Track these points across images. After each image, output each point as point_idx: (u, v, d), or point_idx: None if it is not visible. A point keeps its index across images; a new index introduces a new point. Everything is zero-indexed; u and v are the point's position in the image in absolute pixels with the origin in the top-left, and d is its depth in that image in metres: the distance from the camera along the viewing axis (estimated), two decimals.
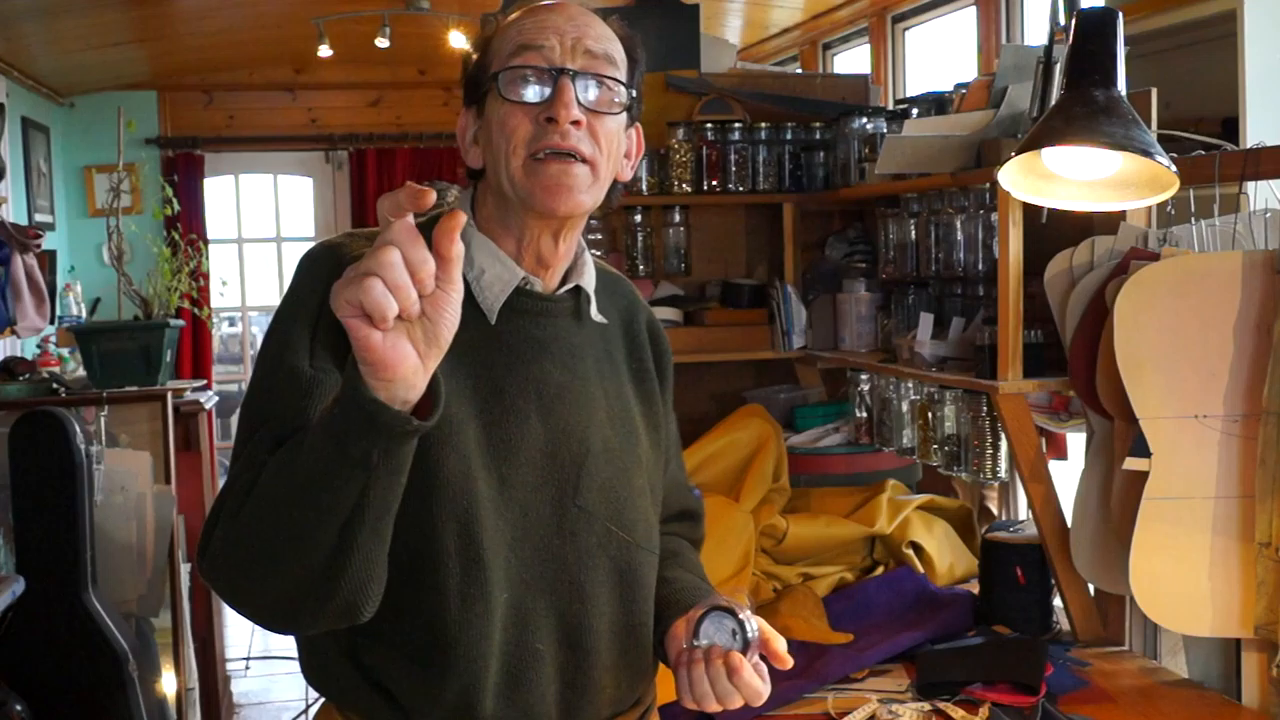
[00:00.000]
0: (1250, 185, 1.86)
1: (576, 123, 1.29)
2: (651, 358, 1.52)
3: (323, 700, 1.41)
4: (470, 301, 1.33)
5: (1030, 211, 2.06)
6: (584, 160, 1.30)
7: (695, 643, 1.33)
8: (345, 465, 1.05)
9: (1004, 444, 2.32)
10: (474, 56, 1.38)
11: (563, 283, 1.40)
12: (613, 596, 1.39)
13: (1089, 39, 1.73)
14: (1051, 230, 2.08)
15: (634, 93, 1.37)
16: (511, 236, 1.36)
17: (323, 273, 1.30)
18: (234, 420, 7.71)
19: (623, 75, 1.35)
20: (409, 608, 1.28)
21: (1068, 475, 2.32)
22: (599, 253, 3.04)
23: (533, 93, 1.30)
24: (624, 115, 1.36)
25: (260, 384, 1.27)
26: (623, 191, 1.44)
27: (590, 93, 1.31)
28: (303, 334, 1.26)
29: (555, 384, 1.36)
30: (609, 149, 1.34)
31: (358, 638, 1.31)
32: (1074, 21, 1.76)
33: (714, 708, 1.31)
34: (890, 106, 3.66)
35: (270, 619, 1.20)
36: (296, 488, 1.09)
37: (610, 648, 1.39)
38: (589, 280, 1.42)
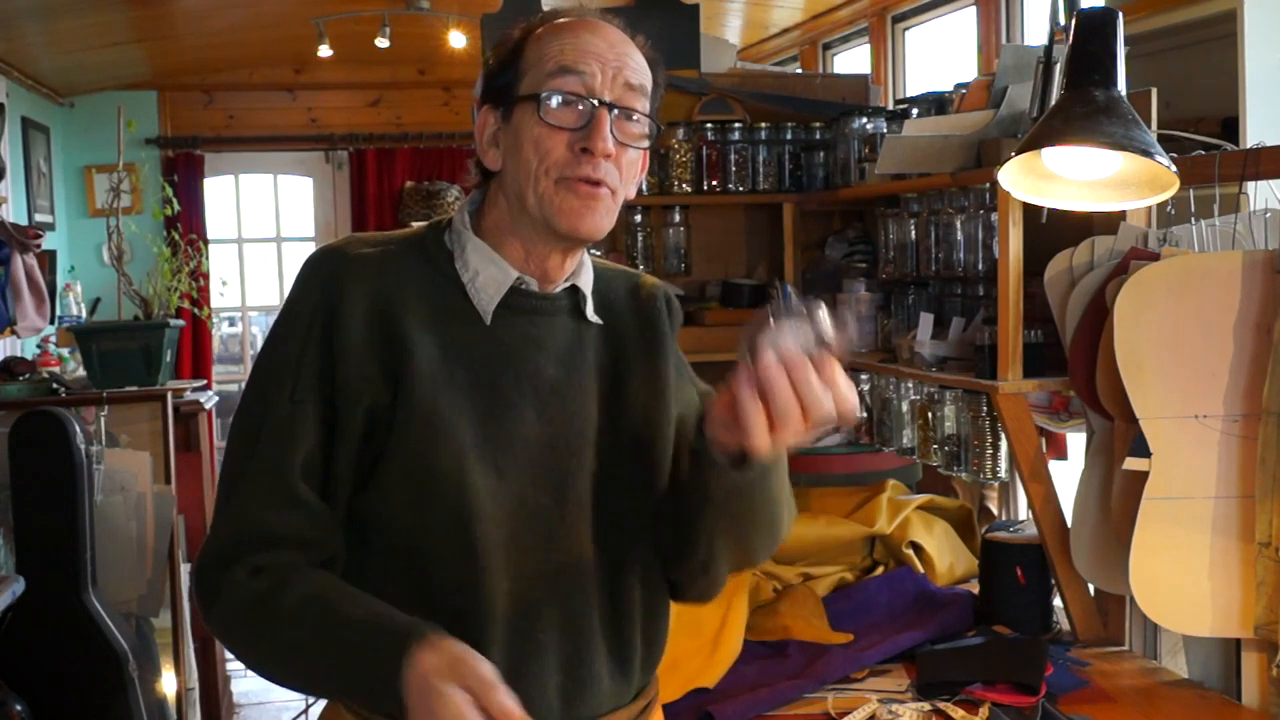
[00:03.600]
0: (1250, 185, 1.86)
1: (608, 155, 1.32)
2: (666, 319, 1.50)
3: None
4: (467, 302, 1.37)
5: (1030, 211, 2.06)
6: (609, 188, 1.34)
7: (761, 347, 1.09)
8: (368, 696, 1.24)
9: (1004, 444, 2.32)
10: (500, 57, 1.39)
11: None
12: (611, 587, 1.40)
13: (1089, 39, 1.73)
14: (1051, 230, 2.08)
15: (657, 124, 1.40)
16: (519, 244, 1.38)
17: (317, 279, 1.35)
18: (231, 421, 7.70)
19: (649, 105, 1.38)
20: (405, 601, 1.29)
21: (1068, 475, 2.32)
22: (599, 252, 3.04)
23: (570, 118, 1.33)
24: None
25: (256, 409, 1.35)
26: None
27: (622, 125, 1.34)
28: (293, 356, 1.33)
29: (551, 379, 1.38)
30: (628, 176, 1.37)
31: None
32: (1074, 21, 1.76)
33: (797, 426, 1.15)
34: (890, 106, 3.66)
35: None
36: (317, 672, 1.28)
37: (608, 638, 1.40)
38: (585, 280, 1.43)
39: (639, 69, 1.37)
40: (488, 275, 1.37)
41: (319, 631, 1.26)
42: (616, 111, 1.33)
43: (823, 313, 1.13)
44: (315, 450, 1.32)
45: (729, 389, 1.20)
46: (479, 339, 1.36)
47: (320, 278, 1.35)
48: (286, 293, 1.40)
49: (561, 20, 1.38)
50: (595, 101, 1.32)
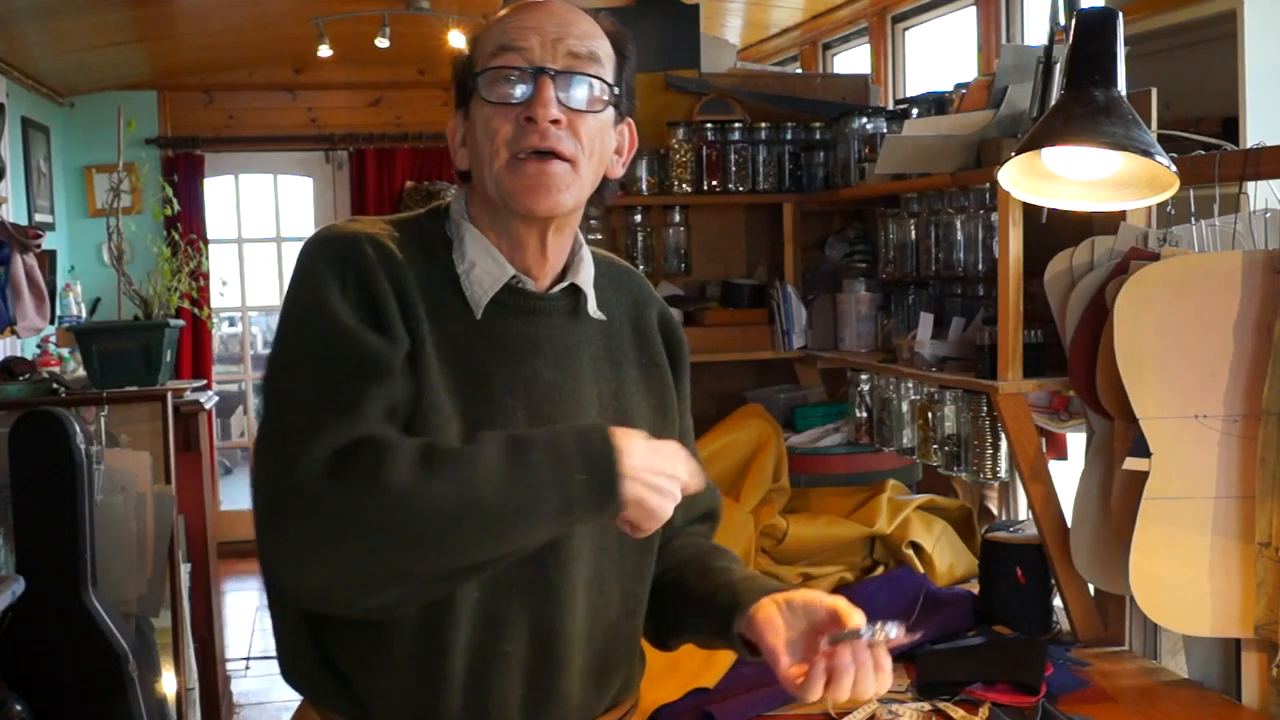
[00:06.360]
0: (1250, 185, 1.86)
1: (556, 121, 1.28)
2: (664, 349, 1.49)
3: (301, 700, 1.42)
4: (460, 297, 1.33)
5: (1030, 211, 2.06)
6: (565, 159, 1.30)
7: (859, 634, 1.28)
8: (591, 491, 1.19)
9: (1004, 444, 2.32)
10: (462, 58, 1.37)
11: (558, 280, 1.39)
12: (588, 601, 1.37)
13: (1089, 39, 1.73)
14: (1051, 230, 2.08)
15: (619, 89, 1.35)
16: (500, 238, 1.35)
17: (332, 250, 1.29)
18: (234, 420, 7.71)
19: (608, 73, 1.34)
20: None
21: (1068, 475, 2.32)
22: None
23: (513, 93, 1.30)
24: (609, 112, 1.35)
25: (307, 346, 1.25)
26: (617, 188, 1.43)
27: (571, 91, 1.31)
28: (340, 299, 1.25)
29: (545, 382, 1.35)
30: (592, 146, 1.33)
31: (330, 640, 1.33)
32: (1074, 21, 1.76)
33: (844, 698, 1.29)
34: (890, 106, 3.66)
35: (343, 589, 1.19)
36: (529, 490, 1.17)
37: (580, 653, 1.37)
38: (585, 278, 1.40)
39: (586, 36, 1.33)
40: (484, 268, 1.34)
41: (518, 452, 1.18)
42: (563, 77, 1.30)
43: (894, 629, 1.29)
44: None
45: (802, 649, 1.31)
46: (472, 337, 1.32)
47: (337, 249, 1.29)
48: (292, 276, 1.30)
49: (510, 6, 1.35)
50: (535, 69, 1.29)
